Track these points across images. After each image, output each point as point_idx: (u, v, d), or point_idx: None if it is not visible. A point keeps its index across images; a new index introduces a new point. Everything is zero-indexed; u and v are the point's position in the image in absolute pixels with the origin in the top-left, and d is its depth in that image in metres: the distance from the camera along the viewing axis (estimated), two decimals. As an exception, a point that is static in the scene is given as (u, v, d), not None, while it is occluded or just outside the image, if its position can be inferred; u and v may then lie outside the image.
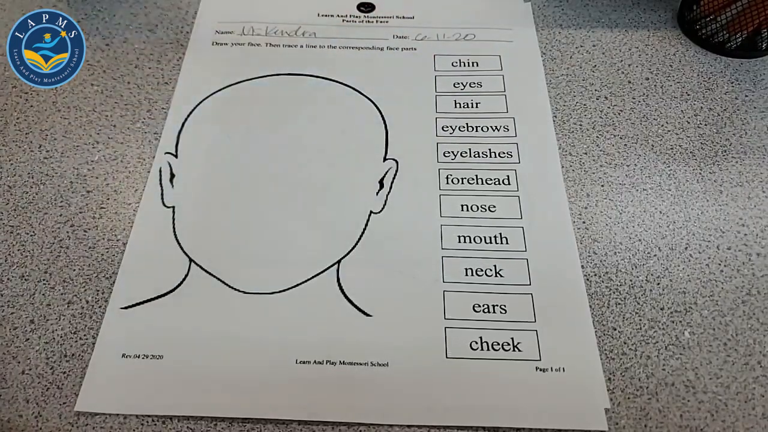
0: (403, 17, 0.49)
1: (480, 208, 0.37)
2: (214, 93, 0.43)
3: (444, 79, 0.44)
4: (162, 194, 0.37)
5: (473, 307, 0.33)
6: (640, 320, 0.33)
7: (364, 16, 0.49)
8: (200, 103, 0.42)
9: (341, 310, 0.33)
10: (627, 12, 0.49)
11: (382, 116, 0.42)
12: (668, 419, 0.30)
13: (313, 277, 0.34)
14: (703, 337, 0.33)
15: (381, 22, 0.48)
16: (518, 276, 0.34)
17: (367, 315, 0.33)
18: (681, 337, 0.32)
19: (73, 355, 0.31)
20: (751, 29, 0.44)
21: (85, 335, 0.32)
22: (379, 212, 0.37)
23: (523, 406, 0.30)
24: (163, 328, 0.32)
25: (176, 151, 0.39)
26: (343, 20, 0.48)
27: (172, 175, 0.38)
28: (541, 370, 0.31)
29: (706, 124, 0.42)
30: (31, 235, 0.36)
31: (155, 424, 0.29)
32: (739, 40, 0.45)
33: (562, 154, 0.40)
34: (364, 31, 0.47)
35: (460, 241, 0.35)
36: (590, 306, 0.33)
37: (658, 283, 0.34)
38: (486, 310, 0.33)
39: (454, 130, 0.41)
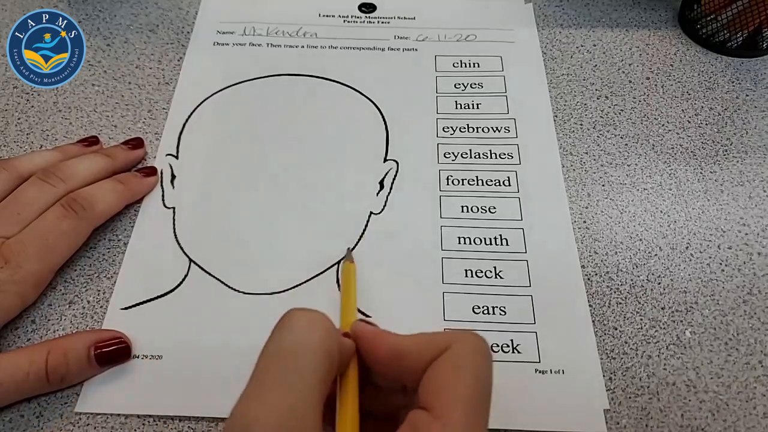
0: (405, 18, 0.49)
1: (480, 210, 0.37)
2: (215, 93, 0.43)
3: (445, 80, 0.44)
4: (163, 195, 0.37)
5: (473, 308, 0.33)
6: (641, 320, 0.33)
7: (366, 17, 0.49)
8: (201, 103, 0.42)
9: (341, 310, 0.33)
10: (627, 11, 0.49)
11: (382, 117, 0.42)
12: (669, 419, 0.30)
13: (312, 277, 0.34)
14: (704, 336, 0.33)
15: (382, 22, 0.48)
16: (518, 278, 0.34)
17: (367, 316, 0.33)
18: (682, 337, 0.32)
19: (73, 355, 0.31)
20: (752, 28, 0.44)
21: (85, 335, 0.32)
22: (379, 213, 0.37)
23: (521, 407, 0.30)
24: (163, 328, 0.32)
25: (177, 152, 0.39)
26: (344, 21, 0.48)
27: (173, 176, 0.38)
28: (540, 371, 0.31)
29: (706, 124, 0.42)
30: (32, 236, 0.36)
31: (156, 424, 0.29)
32: (740, 39, 0.45)
33: (562, 153, 0.40)
34: (365, 31, 0.47)
35: (460, 242, 0.35)
36: (591, 306, 0.33)
37: (659, 283, 0.34)
38: (485, 312, 0.33)
39: (454, 131, 0.41)
